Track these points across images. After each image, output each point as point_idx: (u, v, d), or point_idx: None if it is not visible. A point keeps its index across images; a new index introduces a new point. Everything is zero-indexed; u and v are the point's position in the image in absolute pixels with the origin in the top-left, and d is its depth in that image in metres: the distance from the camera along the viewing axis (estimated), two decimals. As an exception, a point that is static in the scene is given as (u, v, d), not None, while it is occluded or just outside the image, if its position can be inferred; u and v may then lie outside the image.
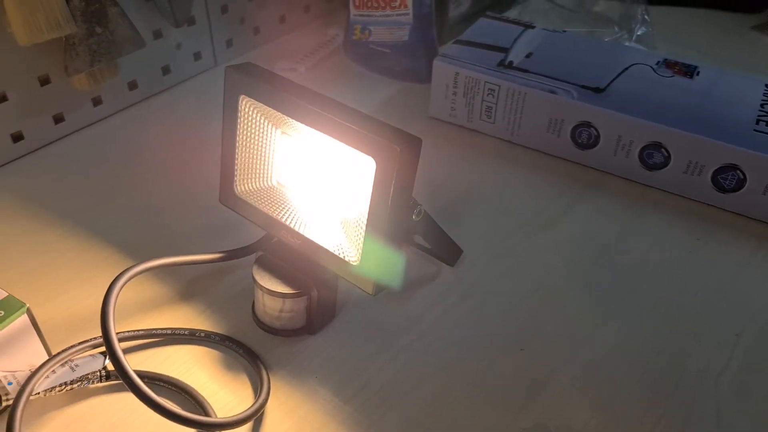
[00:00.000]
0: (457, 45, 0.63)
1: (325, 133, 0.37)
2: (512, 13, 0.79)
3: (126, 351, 0.42)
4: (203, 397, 0.40)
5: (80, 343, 0.40)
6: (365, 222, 0.38)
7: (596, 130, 0.56)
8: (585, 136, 0.57)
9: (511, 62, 0.60)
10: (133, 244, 0.50)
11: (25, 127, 0.58)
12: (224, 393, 0.40)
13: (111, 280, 0.38)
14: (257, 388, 0.40)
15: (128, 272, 0.38)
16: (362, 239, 0.38)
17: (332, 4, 0.81)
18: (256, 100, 0.40)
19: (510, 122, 0.60)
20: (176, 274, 0.48)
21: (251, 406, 0.38)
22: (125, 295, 0.45)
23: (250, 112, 0.41)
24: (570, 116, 0.57)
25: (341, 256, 0.40)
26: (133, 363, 0.41)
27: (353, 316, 0.45)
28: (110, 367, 0.39)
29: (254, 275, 0.42)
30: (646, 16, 0.76)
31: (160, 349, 0.43)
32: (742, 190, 0.53)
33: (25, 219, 0.52)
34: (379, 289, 0.39)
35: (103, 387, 0.40)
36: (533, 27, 0.65)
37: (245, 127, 0.42)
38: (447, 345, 0.44)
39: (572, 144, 0.58)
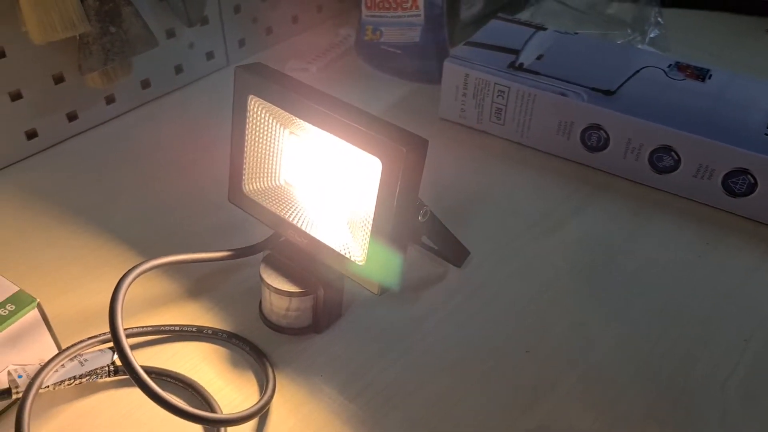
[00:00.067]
0: (468, 46, 0.63)
1: (332, 133, 0.38)
2: (524, 15, 0.79)
3: (134, 347, 0.43)
4: (209, 394, 0.40)
5: (89, 338, 0.41)
6: (371, 222, 0.38)
7: (606, 132, 0.56)
8: (595, 139, 0.57)
9: (521, 64, 0.60)
10: (144, 241, 0.51)
11: (39, 124, 0.59)
12: (230, 390, 0.41)
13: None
14: (263, 385, 0.41)
15: (137, 269, 0.39)
16: (368, 239, 0.38)
17: (345, 4, 0.82)
18: (265, 100, 0.41)
19: (520, 124, 0.60)
20: (185, 272, 0.48)
21: (256, 403, 0.38)
22: (134, 292, 0.46)
23: (259, 112, 0.42)
24: (580, 118, 0.56)
25: (347, 255, 0.40)
26: (141, 359, 0.42)
27: (359, 316, 0.46)
28: (119, 362, 0.40)
29: (261, 274, 0.42)
30: (659, 19, 0.75)
31: (168, 346, 0.43)
32: (752, 195, 0.52)
33: (38, 215, 0.53)
34: (385, 289, 0.40)
35: (112, 382, 0.41)
36: (545, 29, 0.65)
37: (254, 126, 0.42)
38: (452, 345, 0.44)
39: (582, 146, 0.58)
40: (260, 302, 0.45)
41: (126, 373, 0.37)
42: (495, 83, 0.59)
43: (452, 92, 0.62)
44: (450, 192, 0.56)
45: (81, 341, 0.40)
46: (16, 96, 0.56)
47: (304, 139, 0.42)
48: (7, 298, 0.38)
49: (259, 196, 0.44)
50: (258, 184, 0.44)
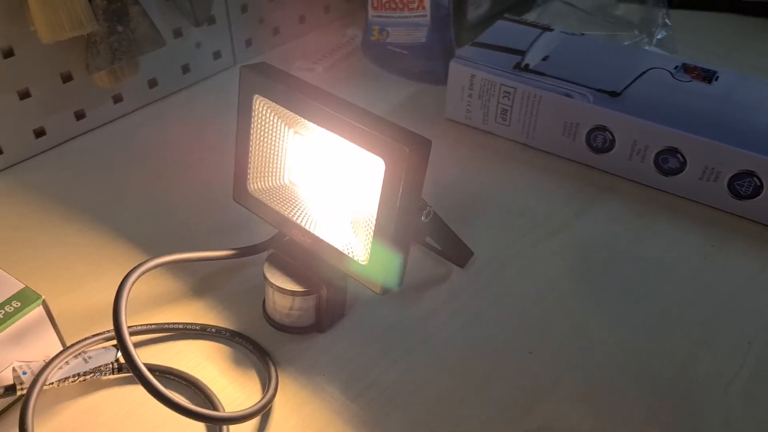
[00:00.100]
0: (474, 47, 0.63)
1: (336, 133, 0.38)
2: (532, 16, 0.79)
3: (138, 344, 0.43)
4: (212, 392, 0.40)
5: (94, 336, 0.41)
6: (374, 222, 0.38)
7: (611, 134, 0.56)
8: (600, 140, 0.56)
9: (527, 65, 0.60)
10: (149, 239, 0.51)
11: (47, 122, 0.59)
12: (233, 388, 0.41)
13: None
14: (265, 384, 0.41)
15: (141, 267, 0.39)
16: (371, 239, 0.38)
17: (352, 4, 0.82)
18: (270, 100, 0.41)
19: (525, 125, 0.60)
20: (189, 270, 0.48)
21: (258, 401, 0.38)
22: (139, 290, 0.46)
23: (264, 112, 0.42)
24: (585, 120, 0.56)
25: (350, 255, 0.40)
26: (145, 356, 0.42)
27: (362, 316, 0.46)
28: (122, 359, 0.40)
29: (265, 273, 0.43)
30: (666, 20, 0.75)
31: (172, 344, 0.43)
32: (758, 197, 0.52)
33: (45, 213, 0.53)
34: (387, 289, 0.40)
35: (116, 379, 0.41)
36: (551, 30, 0.65)
37: (259, 126, 0.42)
38: (454, 346, 0.44)
39: (587, 148, 0.58)
40: (264, 301, 0.45)
41: (129, 370, 0.37)
42: (501, 84, 0.59)
43: (458, 93, 0.62)
44: (455, 192, 0.56)
45: (85, 338, 0.41)
46: (24, 94, 0.57)
47: (308, 138, 0.42)
48: (13, 296, 0.38)
49: (264, 196, 0.44)
50: (262, 183, 0.44)
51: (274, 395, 0.40)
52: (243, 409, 0.37)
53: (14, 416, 0.37)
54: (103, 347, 0.41)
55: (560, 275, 0.49)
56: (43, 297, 0.39)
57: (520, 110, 0.59)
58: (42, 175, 0.58)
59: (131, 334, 0.43)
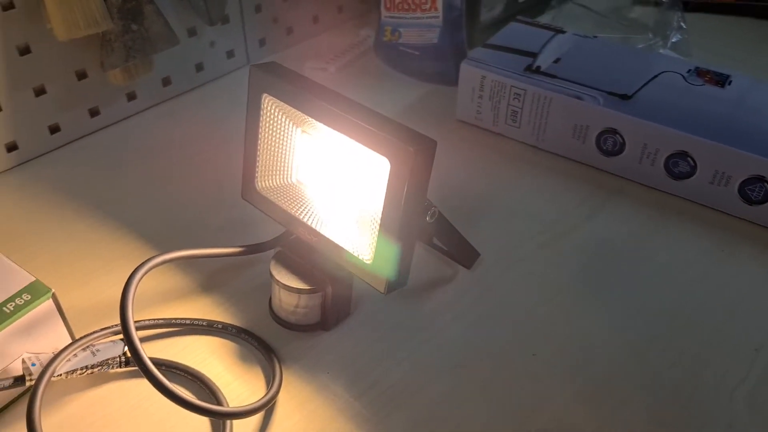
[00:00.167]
0: (486, 49, 0.63)
1: (342, 132, 0.38)
2: (545, 18, 0.79)
3: (146, 339, 0.44)
4: (217, 387, 0.41)
5: (102, 329, 0.42)
6: (379, 221, 0.38)
7: (621, 137, 0.55)
8: (610, 143, 0.56)
9: (538, 67, 0.60)
10: (160, 235, 0.52)
11: (62, 119, 0.60)
12: (238, 384, 0.41)
13: (133, 270, 0.39)
14: (270, 380, 0.41)
15: (149, 263, 0.39)
16: (376, 238, 0.39)
17: (366, 5, 0.82)
18: (278, 99, 0.41)
19: (535, 127, 0.60)
20: (198, 267, 0.49)
21: (262, 397, 0.39)
22: (148, 285, 0.47)
23: (272, 111, 0.42)
24: (595, 122, 0.56)
25: (355, 254, 0.40)
26: (153, 351, 0.43)
27: (368, 315, 0.46)
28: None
29: (271, 270, 0.43)
30: (681, 23, 0.75)
31: (179, 339, 0.44)
32: (769, 203, 0.52)
33: (58, 208, 0.54)
34: (392, 288, 0.40)
35: (123, 372, 0.42)
36: (564, 32, 0.65)
37: (267, 124, 0.43)
38: (459, 346, 0.44)
39: (597, 150, 0.57)
40: (270, 299, 0.45)
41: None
42: (511, 86, 0.59)
43: (469, 94, 0.62)
44: (463, 193, 0.56)
45: (94, 332, 0.41)
46: (40, 91, 0.58)
47: (315, 138, 0.42)
48: (23, 288, 0.39)
49: (272, 194, 0.45)
50: (270, 181, 0.45)
51: (277, 392, 0.40)
52: (247, 404, 0.38)
53: (23, 407, 0.38)
54: (111, 341, 0.41)
55: (567, 278, 0.49)
56: (53, 290, 0.40)
57: (531, 112, 0.59)
58: (56, 171, 0.58)
59: (139, 328, 0.43)
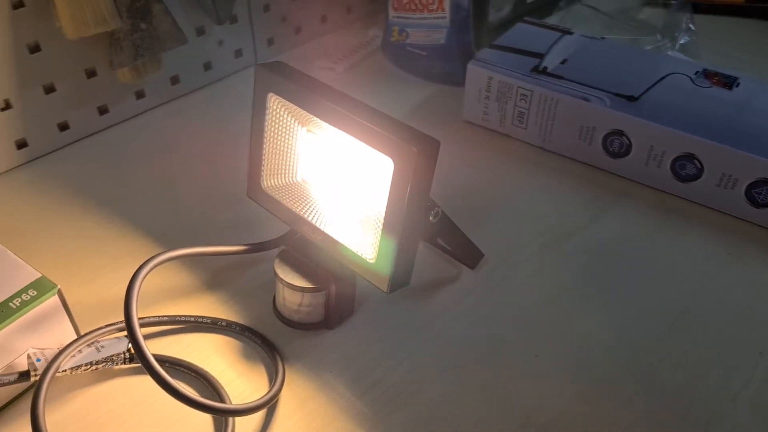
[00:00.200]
0: (492, 49, 0.63)
1: (346, 132, 0.38)
2: (554, 19, 0.79)
3: (151, 336, 0.44)
4: (220, 384, 0.41)
5: (106, 326, 0.42)
6: (382, 221, 0.38)
7: (628, 138, 0.55)
8: (616, 145, 0.56)
9: (545, 68, 0.60)
10: (165, 233, 0.52)
11: (71, 117, 0.61)
12: (240, 381, 0.42)
13: (138, 267, 0.39)
14: (273, 378, 0.41)
15: (153, 260, 0.40)
16: (379, 238, 0.39)
17: (374, 5, 0.82)
18: (284, 98, 0.41)
19: (542, 128, 0.60)
20: (203, 264, 0.49)
21: (264, 395, 0.39)
22: (154, 282, 0.47)
23: (278, 110, 0.42)
24: (602, 124, 0.56)
25: (359, 253, 0.41)
26: (157, 348, 0.43)
27: (371, 314, 0.46)
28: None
29: (275, 269, 0.43)
30: (690, 25, 0.74)
31: (183, 336, 0.44)
32: (776, 206, 0.51)
33: (67, 205, 0.55)
34: (394, 288, 0.40)
35: (127, 369, 0.42)
36: (571, 33, 0.65)
37: (272, 123, 0.43)
38: (461, 347, 0.44)
39: (603, 152, 0.57)
40: (274, 297, 0.46)
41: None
42: (518, 87, 0.59)
43: (475, 95, 0.62)
44: (469, 193, 0.56)
45: (98, 328, 0.42)
46: (49, 89, 0.58)
47: (320, 137, 0.43)
48: (30, 284, 0.39)
49: (277, 193, 0.45)
50: (276, 180, 0.45)
51: (279, 389, 0.40)
52: (249, 402, 0.38)
53: (28, 402, 0.38)
54: (116, 337, 0.42)
55: (571, 279, 0.49)
56: (59, 286, 0.40)
57: (537, 113, 0.59)
58: (65, 168, 0.59)
59: (144, 325, 0.44)
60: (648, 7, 0.79)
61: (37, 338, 0.40)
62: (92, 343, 0.41)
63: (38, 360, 0.39)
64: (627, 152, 0.56)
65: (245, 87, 0.70)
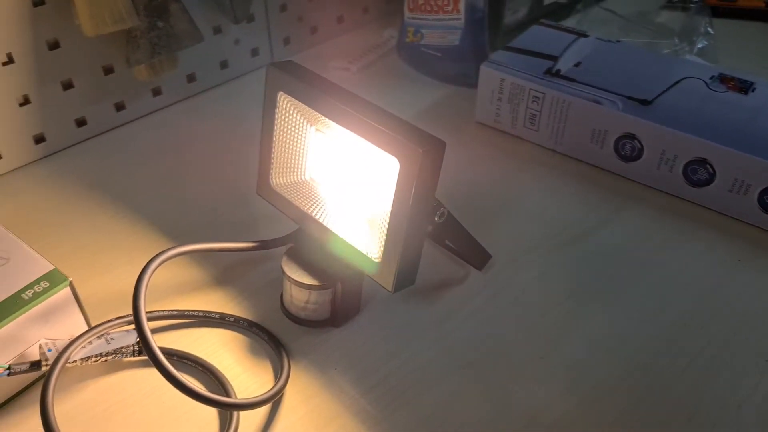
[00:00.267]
0: (506, 51, 0.63)
1: (354, 132, 0.39)
2: (571, 22, 0.78)
3: (160, 329, 0.45)
4: (226, 379, 0.41)
5: (117, 318, 0.43)
6: (388, 220, 0.39)
7: (640, 142, 0.55)
8: (628, 149, 0.56)
9: (558, 70, 0.60)
10: (177, 228, 0.53)
11: (88, 113, 0.62)
12: (246, 376, 0.42)
13: (149, 262, 0.40)
14: (278, 374, 0.42)
15: (162, 255, 0.40)
16: (384, 237, 0.39)
17: (391, 5, 0.83)
18: (294, 97, 0.42)
19: (553, 131, 0.60)
20: (213, 260, 0.50)
21: (269, 390, 0.39)
22: (164, 276, 0.48)
23: (288, 108, 0.43)
24: (614, 127, 0.56)
25: (365, 252, 0.41)
26: (165, 341, 0.44)
27: (378, 312, 0.46)
28: (142, 342, 0.42)
29: (283, 266, 0.44)
30: (709, 29, 0.74)
31: (191, 330, 0.45)
32: (789, 213, 0.51)
33: (83, 199, 0.56)
34: (399, 287, 0.40)
35: (136, 361, 0.43)
36: (586, 36, 0.65)
37: (282, 122, 0.43)
38: (466, 348, 0.44)
39: (615, 156, 0.57)
40: (282, 294, 0.46)
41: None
42: (530, 89, 0.59)
43: (488, 96, 0.62)
44: (480, 195, 0.56)
45: (109, 320, 0.42)
46: (67, 85, 0.59)
47: (329, 136, 0.43)
48: (42, 276, 0.40)
49: (286, 191, 0.45)
50: (285, 178, 0.46)
51: (284, 385, 0.41)
52: (254, 396, 0.39)
53: (39, 391, 0.39)
54: (126, 330, 0.42)
55: (579, 282, 0.49)
56: (72, 279, 0.41)
57: (549, 116, 0.59)
58: (81, 163, 0.60)
59: (153, 318, 0.44)
60: (666, 11, 0.79)
61: (49, 329, 0.40)
62: (102, 335, 0.42)
63: (49, 350, 0.39)
64: (639, 156, 0.56)
65: (261, 86, 0.69)
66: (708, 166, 0.53)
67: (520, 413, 0.40)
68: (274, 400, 0.40)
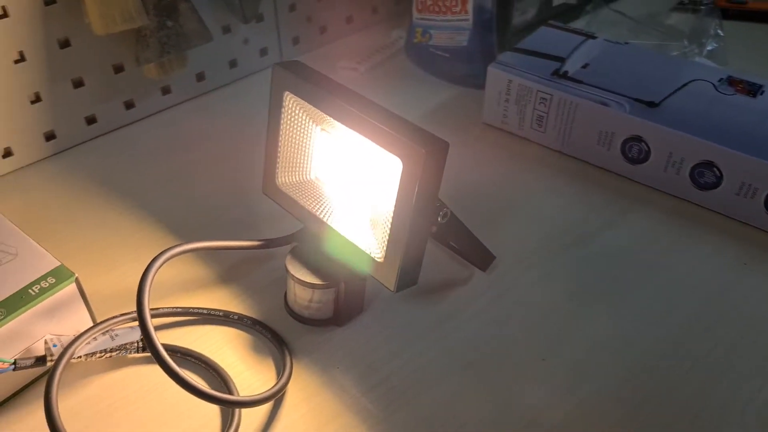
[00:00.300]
0: (514, 53, 0.63)
1: (358, 132, 0.39)
2: (580, 24, 0.78)
3: (164, 326, 0.45)
4: (229, 376, 0.42)
5: (121, 315, 0.43)
6: (391, 220, 0.39)
7: (647, 144, 0.55)
8: (635, 151, 0.56)
9: (566, 72, 0.60)
10: (184, 226, 0.53)
11: (98, 111, 0.62)
12: (249, 374, 0.42)
13: (154, 259, 0.40)
14: (281, 372, 0.42)
15: (167, 253, 0.41)
16: (387, 237, 0.39)
17: (400, 6, 0.83)
18: (299, 97, 0.42)
19: (560, 132, 0.59)
20: (218, 258, 0.50)
21: (271, 388, 0.40)
22: (169, 274, 0.48)
23: (293, 108, 0.43)
24: (621, 129, 0.56)
25: (368, 252, 0.41)
26: (169, 338, 0.44)
27: (381, 312, 0.47)
28: (147, 339, 0.42)
29: (287, 265, 0.44)
30: (719, 31, 0.73)
31: (196, 327, 0.45)
32: (797, 217, 0.51)
33: (91, 196, 0.56)
34: (402, 287, 0.40)
35: (140, 358, 0.43)
36: (594, 37, 0.65)
37: (288, 122, 0.44)
38: (469, 348, 0.44)
39: (622, 158, 0.57)
40: (285, 293, 0.46)
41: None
42: (537, 90, 0.59)
43: (495, 97, 0.62)
44: (486, 196, 0.56)
45: (113, 317, 0.43)
46: (78, 83, 0.60)
47: (334, 136, 0.43)
48: (49, 272, 0.41)
49: (291, 190, 0.46)
50: (290, 177, 0.46)
51: (286, 383, 0.41)
52: (256, 394, 0.39)
53: (43, 386, 0.39)
54: (130, 326, 0.43)
55: (583, 284, 0.49)
56: (78, 275, 0.41)
57: (556, 117, 0.59)
58: (91, 161, 0.61)
59: (157, 315, 0.45)
60: (676, 12, 0.79)
61: (55, 324, 0.41)
62: (107, 331, 0.42)
63: (54, 345, 0.40)
64: (645, 158, 0.56)
65: (269, 85, 0.71)
66: (715, 169, 0.52)
67: (521, 414, 0.40)
68: (276, 398, 0.40)
